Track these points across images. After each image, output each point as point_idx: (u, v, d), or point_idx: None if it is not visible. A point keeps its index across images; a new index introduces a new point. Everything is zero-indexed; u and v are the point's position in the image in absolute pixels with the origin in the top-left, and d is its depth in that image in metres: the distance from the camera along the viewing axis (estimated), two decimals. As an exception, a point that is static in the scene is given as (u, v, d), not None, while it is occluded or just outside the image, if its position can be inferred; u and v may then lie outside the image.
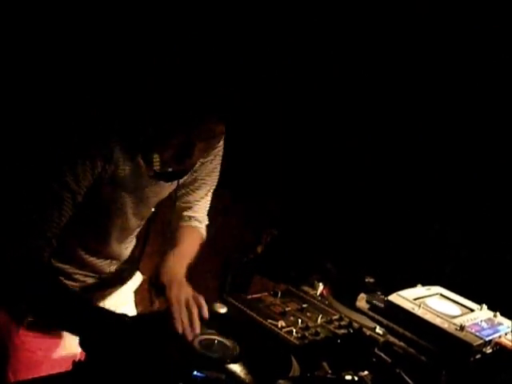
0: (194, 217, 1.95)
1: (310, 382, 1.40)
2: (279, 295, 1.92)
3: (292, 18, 3.04)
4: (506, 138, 2.88)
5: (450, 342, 1.68)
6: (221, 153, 1.89)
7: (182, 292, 1.57)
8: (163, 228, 1.96)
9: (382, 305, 1.90)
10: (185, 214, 1.93)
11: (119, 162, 1.57)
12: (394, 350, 1.63)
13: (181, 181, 1.75)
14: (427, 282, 2.09)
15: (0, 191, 1.82)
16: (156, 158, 1.59)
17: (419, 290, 2.01)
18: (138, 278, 2.07)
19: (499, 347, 1.74)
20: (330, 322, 1.80)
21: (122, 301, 2.01)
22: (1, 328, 1.82)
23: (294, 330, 1.68)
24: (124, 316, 1.47)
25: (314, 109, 3.33)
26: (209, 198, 1.97)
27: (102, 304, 1.89)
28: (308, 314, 1.83)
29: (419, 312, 1.79)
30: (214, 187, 1.95)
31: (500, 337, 1.77)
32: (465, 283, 2.23)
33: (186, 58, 1.55)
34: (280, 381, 1.33)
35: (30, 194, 1.53)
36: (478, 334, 1.71)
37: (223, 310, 1.72)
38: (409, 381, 1.45)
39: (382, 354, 1.55)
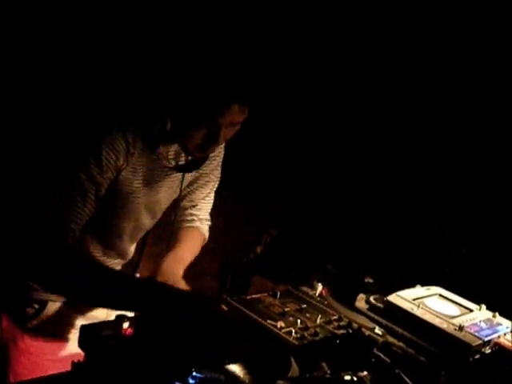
0: (197, 216, 1.97)
1: (309, 382, 1.40)
2: (278, 296, 1.92)
3: (291, 18, 3.04)
4: (506, 138, 2.88)
5: (449, 343, 1.68)
6: (223, 151, 1.92)
7: None
8: (161, 231, 1.98)
9: (381, 305, 1.90)
10: (188, 212, 1.95)
11: (138, 154, 1.59)
12: (393, 351, 1.63)
13: (188, 178, 1.78)
14: (426, 282, 2.09)
15: (26, 183, 1.83)
16: (172, 149, 1.65)
17: (418, 291, 2.01)
18: None
19: (498, 347, 1.75)
20: (329, 322, 1.80)
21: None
22: (5, 332, 1.82)
23: (293, 331, 1.67)
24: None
25: (313, 109, 3.33)
26: (212, 196, 2.00)
27: (95, 312, 1.87)
28: (307, 314, 1.83)
29: (418, 312, 1.79)
30: (216, 186, 1.98)
31: (499, 337, 1.77)
32: (464, 283, 2.23)
33: (209, 46, 1.58)
34: (279, 381, 1.33)
35: (56, 186, 1.52)
36: (477, 334, 1.71)
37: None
38: (408, 381, 1.45)
39: (381, 355, 1.55)
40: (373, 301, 1.96)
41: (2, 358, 1.88)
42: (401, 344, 1.69)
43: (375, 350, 1.57)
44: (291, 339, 1.63)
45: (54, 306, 1.79)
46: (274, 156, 3.36)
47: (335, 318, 1.83)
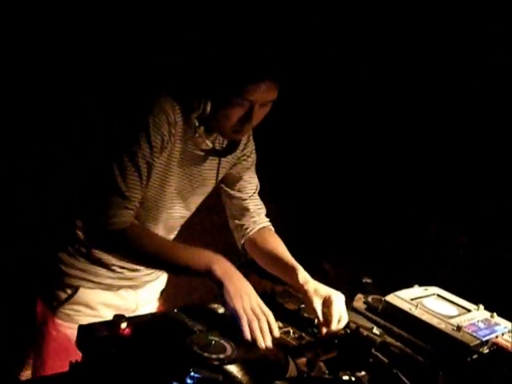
0: (259, 214, 2.02)
1: (307, 382, 1.40)
2: (277, 295, 1.92)
3: (291, 18, 3.04)
4: (504, 139, 2.88)
5: (447, 343, 1.68)
6: (254, 155, 2.00)
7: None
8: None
9: (379, 305, 1.90)
10: (251, 212, 1.99)
11: (178, 139, 1.68)
12: (391, 351, 1.62)
13: (224, 170, 1.87)
14: (424, 282, 2.09)
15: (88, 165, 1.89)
16: (209, 135, 1.73)
17: (416, 291, 2.01)
18: (164, 278, 2.12)
19: (496, 347, 1.74)
20: (328, 322, 1.80)
21: (148, 298, 2.07)
22: (39, 316, 1.90)
23: (291, 331, 1.68)
24: None
25: (313, 109, 3.33)
26: (258, 198, 2.04)
27: (129, 298, 1.96)
28: (305, 314, 1.83)
29: (416, 312, 1.79)
30: (257, 189, 2.03)
31: (497, 337, 1.77)
32: (462, 284, 2.23)
33: (239, 24, 1.72)
34: (277, 381, 1.33)
35: (116, 168, 1.61)
36: (474, 334, 1.71)
37: (221, 310, 1.72)
38: (406, 381, 1.45)
39: (379, 355, 1.55)
40: (371, 301, 1.96)
41: (34, 340, 1.94)
42: (399, 344, 1.69)
43: (373, 350, 1.57)
44: (289, 339, 1.63)
45: (85, 291, 1.85)
46: (272, 156, 3.36)
47: (333, 318, 1.83)
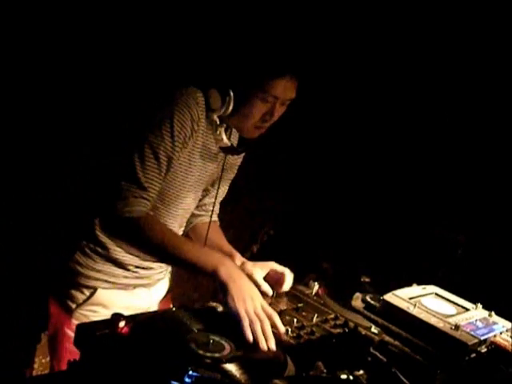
0: (215, 212, 2.12)
1: (306, 381, 1.40)
2: (275, 294, 1.92)
3: (291, 18, 3.04)
4: (503, 138, 2.89)
5: (445, 342, 1.68)
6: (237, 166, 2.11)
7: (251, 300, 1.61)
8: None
9: (377, 304, 1.90)
10: (209, 208, 2.09)
11: (200, 136, 1.79)
12: (389, 350, 1.63)
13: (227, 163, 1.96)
14: (422, 281, 2.09)
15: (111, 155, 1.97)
16: (227, 132, 1.82)
17: (414, 290, 2.01)
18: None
19: (494, 346, 1.74)
20: (326, 321, 1.80)
21: (160, 295, 2.13)
22: (53, 317, 1.93)
23: (290, 330, 1.67)
24: None
25: (313, 108, 3.33)
26: (219, 203, 2.15)
27: (143, 297, 2.02)
28: (303, 313, 1.83)
29: (414, 311, 1.79)
30: (223, 197, 2.14)
31: (495, 336, 1.77)
32: (460, 282, 2.23)
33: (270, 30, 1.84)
34: (275, 380, 1.33)
35: (138, 160, 1.70)
36: (473, 333, 1.71)
37: (219, 309, 1.72)
38: (404, 380, 1.45)
39: (378, 354, 1.55)
40: (369, 300, 1.96)
41: (49, 342, 1.97)
42: (397, 343, 1.69)
43: (371, 349, 1.57)
44: (287, 338, 1.63)
45: (102, 292, 1.90)
46: (271, 156, 3.35)
47: (331, 316, 1.83)
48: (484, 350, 1.72)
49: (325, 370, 1.42)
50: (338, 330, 1.74)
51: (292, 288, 1.98)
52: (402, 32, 3.06)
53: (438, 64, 3.03)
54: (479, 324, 1.81)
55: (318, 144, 3.37)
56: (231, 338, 1.50)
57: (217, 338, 1.48)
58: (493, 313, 1.92)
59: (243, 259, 1.96)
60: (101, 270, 1.89)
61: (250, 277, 1.79)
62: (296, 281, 1.94)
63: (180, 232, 2.02)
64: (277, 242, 3.26)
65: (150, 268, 1.98)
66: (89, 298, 1.88)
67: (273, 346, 1.52)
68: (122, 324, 1.43)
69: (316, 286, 2.05)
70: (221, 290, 1.61)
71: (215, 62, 1.79)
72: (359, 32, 3.10)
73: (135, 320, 1.49)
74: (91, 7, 2.59)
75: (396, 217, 3.24)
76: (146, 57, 2.75)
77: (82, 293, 1.89)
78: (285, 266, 1.97)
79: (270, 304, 1.84)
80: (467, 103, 2.98)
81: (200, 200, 2.07)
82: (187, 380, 1.27)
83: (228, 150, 1.88)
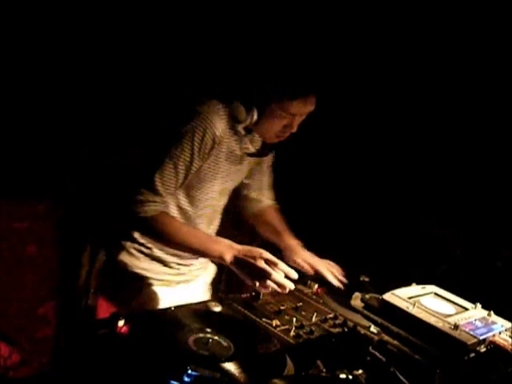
0: (269, 198, 2.32)
1: (305, 380, 1.40)
2: (274, 294, 1.92)
3: (291, 18, 3.04)
4: (502, 138, 2.88)
5: (444, 341, 1.68)
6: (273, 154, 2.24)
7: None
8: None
9: (376, 304, 1.90)
10: (262, 198, 2.31)
11: (225, 145, 1.91)
12: (388, 349, 1.63)
13: (246, 172, 2.13)
14: (422, 280, 2.09)
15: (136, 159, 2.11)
16: (250, 138, 1.97)
17: (414, 289, 2.01)
18: (212, 269, 2.30)
19: (493, 346, 1.75)
20: (325, 320, 1.80)
21: (200, 290, 2.26)
22: (106, 312, 1.99)
23: (289, 329, 1.68)
24: None
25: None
26: (272, 190, 2.34)
27: (184, 292, 2.13)
28: (303, 312, 1.84)
29: (414, 311, 1.79)
30: (272, 183, 2.32)
31: (494, 335, 1.77)
32: (459, 282, 2.23)
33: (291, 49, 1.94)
34: (274, 380, 1.33)
35: (158, 166, 1.84)
36: (472, 332, 1.71)
37: (218, 308, 1.72)
38: (403, 379, 1.45)
39: (377, 353, 1.55)
40: (368, 299, 1.96)
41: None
42: (396, 342, 1.70)
43: (370, 349, 1.56)
44: (287, 337, 1.63)
45: (147, 289, 2.03)
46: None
47: (331, 316, 1.84)
48: (483, 349, 1.72)
49: (324, 370, 1.42)
50: (338, 330, 1.74)
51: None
52: (401, 32, 3.06)
53: (431, 61, 3.02)
54: (478, 324, 1.81)
55: (316, 145, 3.37)
56: (230, 337, 1.50)
57: (216, 338, 1.48)
58: (492, 312, 1.92)
59: (294, 241, 2.17)
60: (146, 269, 2.03)
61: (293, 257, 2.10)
62: (295, 280, 1.93)
63: (211, 228, 2.16)
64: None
65: (190, 264, 2.13)
66: (135, 296, 2.01)
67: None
68: (121, 323, 1.43)
69: (315, 286, 2.05)
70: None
71: (239, 78, 1.92)
72: (358, 32, 3.09)
73: (134, 320, 1.49)
74: (113, 10, 2.62)
75: (395, 216, 3.23)
76: (187, 69, 2.88)
77: (129, 292, 2.01)
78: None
79: (269, 304, 1.85)
80: (467, 104, 2.98)
81: (244, 193, 2.28)
82: (186, 379, 1.27)
83: (252, 155, 2.03)
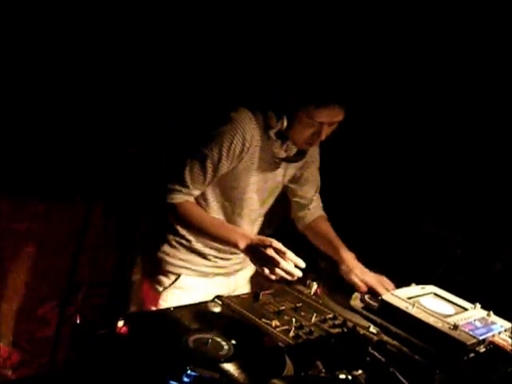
0: (317, 206, 2.42)
1: (304, 381, 1.40)
2: (274, 294, 1.92)
3: (291, 18, 3.04)
4: (501, 138, 2.88)
5: (443, 341, 1.68)
6: (318, 159, 2.37)
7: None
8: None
9: (376, 304, 1.90)
10: (310, 206, 2.40)
11: (257, 149, 2.04)
12: (387, 349, 1.62)
13: (291, 173, 2.25)
14: (421, 281, 2.09)
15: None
16: (283, 144, 2.07)
17: (413, 289, 2.01)
18: (253, 265, 2.28)
19: (493, 346, 1.74)
20: (324, 321, 1.80)
21: (239, 284, 2.37)
22: (144, 295, 2.25)
23: (289, 329, 1.68)
24: None
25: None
26: (319, 197, 2.44)
27: (223, 284, 2.28)
28: (302, 313, 1.84)
29: (413, 311, 1.79)
30: (318, 189, 2.42)
31: (493, 336, 1.77)
32: (458, 282, 2.23)
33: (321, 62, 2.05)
34: (274, 380, 1.33)
35: (190, 163, 2.02)
36: (471, 333, 1.71)
37: (217, 308, 1.72)
38: (403, 380, 1.45)
39: (376, 353, 1.55)
40: (368, 300, 1.96)
41: None
42: (395, 343, 1.69)
43: (370, 349, 1.57)
44: (286, 338, 1.63)
45: (185, 278, 2.18)
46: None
47: (330, 316, 1.84)
48: (482, 349, 1.72)
49: (323, 370, 1.42)
50: (337, 330, 1.74)
51: (291, 288, 2.02)
52: (402, 32, 3.06)
53: (431, 61, 3.03)
54: (478, 324, 1.81)
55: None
56: (229, 337, 1.50)
57: (215, 338, 1.48)
58: (491, 313, 1.92)
59: (347, 254, 2.24)
60: (184, 259, 2.18)
61: (348, 272, 2.18)
62: (295, 281, 1.94)
63: (255, 227, 2.31)
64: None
65: (228, 259, 2.24)
66: (173, 282, 2.17)
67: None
68: (120, 324, 1.43)
69: (315, 286, 2.05)
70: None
71: (269, 86, 2.05)
72: (357, 32, 3.09)
73: (134, 320, 1.49)
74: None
75: (395, 216, 3.24)
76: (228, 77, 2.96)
77: (168, 278, 2.18)
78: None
79: (269, 304, 1.86)
80: (457, 98, 2.98)
81: (290, 197, 2.41)
82: (186, 379, 1.27)
83: (285, 160, 2.13)
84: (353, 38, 3.04)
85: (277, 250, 1.85)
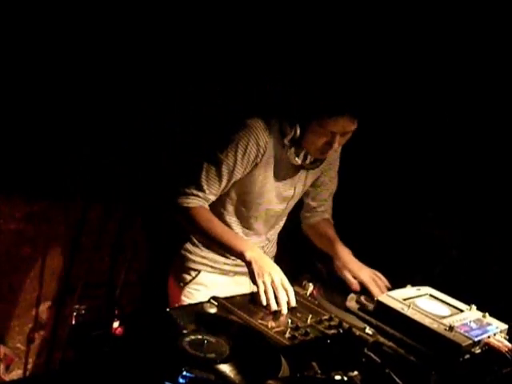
0: (326, 211, 2.45)
1: (300, 382, 1.40)
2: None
3: (291, 19, 3.04)
4: (501, 139, 2.89)
5: (439, 343, 1.68)
6: (338, 161, 2.41)
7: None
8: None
9: (371, 305, 1.90)
10: (318, 210, 2.44)
11: (272, 155, 2.10)
12: (383, 351, 1.62)
13: (310, 178, 2.29)
14: (417, 282, 2.10)
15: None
16: (299, 152, 2.11)
17: (409, 291, 2.01)
18: None
19: (488, 348, 1.75)
20: (320, 322, 1.80)
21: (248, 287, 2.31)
22: (170, 290, 2.34)
23: (284, 330, 1.68)
24: None
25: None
26: (331, 200, 2.48)
27: (243, 283, 2.28)
28: (298, 314, 1.84)
29: (409, 312, 1.79)
30: (333, 193, 2.46)
31: (489, 337, 1.77)
32: (454, 284, 2.24)
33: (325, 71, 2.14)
34: (269, 381, 1.33)
35: (205, 168, 2.09)
36: (467, 334, 1.71)
37: (213, 309, 1.72)
38: (398, 381, 1.45)
39: (372, 355, 1.55)
40: (363, 301, 1.96)
41: None
42: (391, 344, 1.70)
43: (366, 350, 1.57)
44: (282, 339, 1.63)
45: (205, 274, 2.27)
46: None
47: (326, 317, 1.84)
48: (478, 351, 1.72)
49: (319, 371, 1.42)
50: (333, 331, 1.74)
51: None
52: (402, 32, 3.06)
53: (431, 60, 3.03)
54: (473, 325, 1.81)
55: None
56: (225, 338, 1.50)
57: (211, 339, 1.48)
58: (487, 314, 1.92)
59: (345, 249, 2.29)
60: (205, 257, 2.27)
61: (342, 268, 2.22)
62: (291, 281, 1.94)
63: (272, 231, 2.38)
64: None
65: (235, 264, 2.27)
66: (194, 278, 2.26)
67: (284, 311, 1.83)
68: (116, 325, 1.43)
69: (311, 287, 2.05)
70: (247, 268, 1.96)
71: (269, 86, 2.20)
72: (357, 32, 3.10)
73: (129, 321, 1.49)
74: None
75: (391, 217, 3.24)
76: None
77: (189, 274, 2.27)
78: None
79: (265, 305, 1.85)
80: (456, 99, 2.99)
81: (305, 200, 2.44)
82: (181, 381, 1.27)
83: (301, 167, 2.18)
84: (363, 48, 3.06)
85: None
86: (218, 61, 2.97)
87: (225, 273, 2.31)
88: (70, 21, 2.59)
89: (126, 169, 2.95)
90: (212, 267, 2.29)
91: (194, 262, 2.28)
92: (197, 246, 2.28)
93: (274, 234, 2.43)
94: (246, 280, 2.23)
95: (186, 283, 2.27)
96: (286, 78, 2.25)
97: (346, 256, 2.25)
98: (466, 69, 2.92)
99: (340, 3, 3.10)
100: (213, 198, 2.13)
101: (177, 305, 2.24)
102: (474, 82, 2.90)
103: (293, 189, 2.25)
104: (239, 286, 2.29)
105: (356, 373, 1.43)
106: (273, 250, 2.48)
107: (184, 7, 2.84)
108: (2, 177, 2.65)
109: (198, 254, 2.27)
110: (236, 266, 2.28)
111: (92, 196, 2.90)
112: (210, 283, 2.27)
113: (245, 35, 2.98)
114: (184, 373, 1.27)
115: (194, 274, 2.27)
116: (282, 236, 2.51)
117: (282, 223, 2.43)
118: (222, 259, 2.28)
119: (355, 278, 2.18)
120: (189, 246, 2.29)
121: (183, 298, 2.25)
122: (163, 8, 2.79)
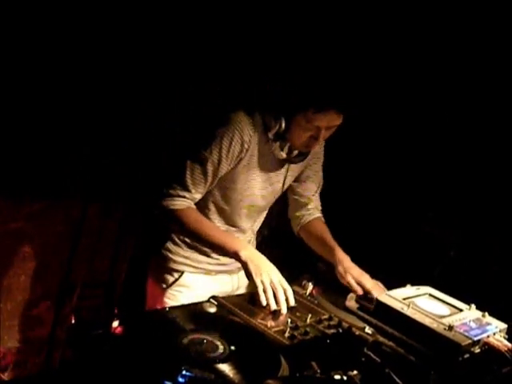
0: (314, 208, 2.39)
1: (299, 381, 1.40)
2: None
3: (292, 19, 3.04)
4: (500, 139, 2.89)
5: (438, 342, 1.68)
6: (322, 156, 2.36)
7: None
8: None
9: (371, 305, 1.91)
10: (309, 207, 2.38)
11: (256, 150, 2.05)
12: (383, 350, 1.63)
13: (294, 173, 2.24)
14: (416, 281, 2.10)
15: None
16: (283, 146, 2.08)
17: (408, 290, 2.02)
18: None
19: (487, 347, 1.75)
20: (320, 321, 1.80)
21: (242, 282, 2.33)
22: (149, 293, 2.27)
23: (284, 330, 1.68)
24: None
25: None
26: (318, 195, 2.42)
27: (225, 282, 2.29)
28: (297, 313, 1.84)
29: (408, 312, 1.80)
30: (320, 188, 2.41)
31: (488, 337, 1.78)
32: (454, 283, 2.24)
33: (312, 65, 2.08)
34: (269, 380, 1.33)
35: (189, 165, 2.02)
36: (466, 333, 1.72)
37: (212, 309, 1.72)
38: (398, 380, 1.45)
39: (371, 354, 1.55)
40: (363, 300, 1.96)
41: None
42: (391, 343, 1.70)
43: (365, 350, 1.56)
44: (281, 338, 1.63)
45: (188, 275, 2.20)
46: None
47: (325, 317, 1.84)
48: (477, 350, 1.73)
49: (319, 371, 1.42)
50: (332, 331, 1.74)
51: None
52: (401, 34, 3.06)
53: (431, 60, 3.03)
54: (473, 325, 1.81)
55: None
56: (225, 338, 1.50)
57: (210, 338, 1.48)
58: (486, 313, 1.92)
59: (343, 256, 2.22)
60: (187, 257, 2.20)
61: (342, 277, 2.15)
62: (290, 281, 1.94)
63: (254, 225, 2.33)
64: (272, 242, 3.26)
65: (222, 263, 2.24)
66: (176, 280, 2.19)
67: (284, 310, 1.82)
68: (115, 324, 1.43)
69: (310, 287, 2.05)
70: (243, 268, 1.93)
71: (269, 86, 2.08)
72: (357, 32, 3.10)
73: (129, 320, 1.49)
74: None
75: (391, 217, 3.24)
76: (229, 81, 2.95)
77: (172, 275, 2.19)
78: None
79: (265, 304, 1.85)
80: (456, 100, 2.99)
81: (290, 196, 2.39)
82: (181, 380, 1.27)
83: (286, 161, 2.13)
84: (352, 42, 3.04)
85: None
86: (217, 61, 2.97)
87: (207, 272, 2.25)
88: (70, 21, 2.59)
89: (125, 169, 2.94)
90: (195, 267, 2.22)
91: (176, 262, 2.20)
92: (179, 246, 2.21)
93: (257, 226, 2.38)
94: (229, 278, 2.31)
95: (169, 285, 2.19)
96: (274, 70, 2.24)
97: (347, 262, 2.20)
98: (466, 69, 2.92)
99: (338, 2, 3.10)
100: (199, 196, 2.08)
101: (158, 307, 2.16)
102: (474, 82, 2.90)
103: (277, 183, 2.21)
104: (222, 285, 2.27)
105: (355, 372, 1.43)
106: (254, 241, 2.45)
107: (184, 7, 2.84)
108: (1, 177, 2.64)
109: (181, 254, 2.20)
110: (218, 265, 2.25)
111: (92, 196, 2.90)
112: (192, 284, 2.21)
113: (245, 35, 2.98)
114: (183, 372, 1.27)
115: (176, 275, 2.20)
116: (280, 235, 2.51)
117: (263, 216, 2.38)
118: (205, 259, 2.22)
119: (358, 284, 2.13)
120: (170, 245, 2.21)
121: (166, 300, 2.18)
122: (163, 8, 2.79)
